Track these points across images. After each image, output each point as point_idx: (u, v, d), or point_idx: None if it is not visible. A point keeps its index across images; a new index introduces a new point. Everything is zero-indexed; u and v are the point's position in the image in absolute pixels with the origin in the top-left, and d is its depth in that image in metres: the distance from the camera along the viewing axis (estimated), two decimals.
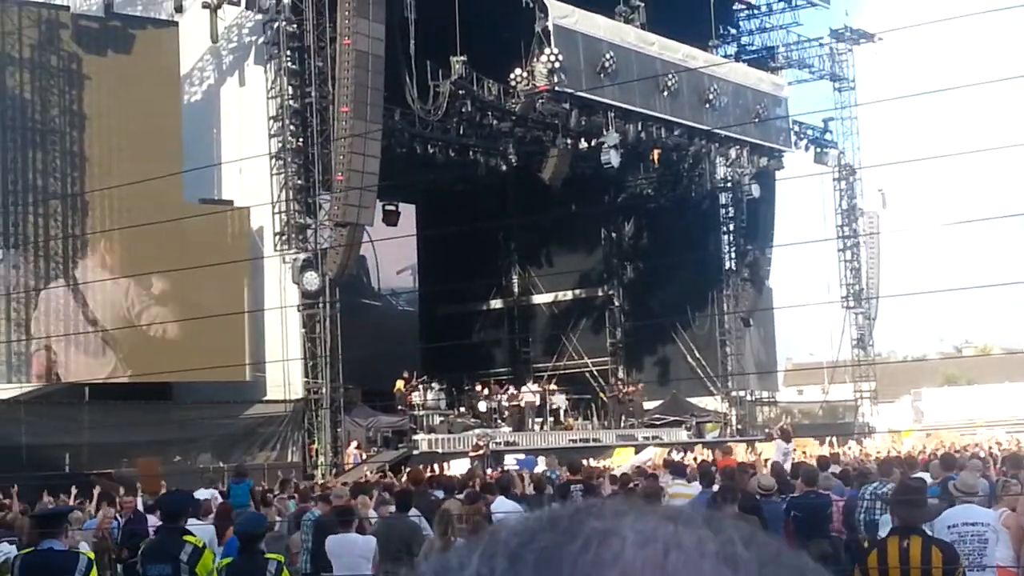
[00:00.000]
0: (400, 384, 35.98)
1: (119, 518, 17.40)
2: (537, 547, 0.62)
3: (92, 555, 11.17)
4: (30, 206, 30.31)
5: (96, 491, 19.70)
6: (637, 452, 33.79)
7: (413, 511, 13.80)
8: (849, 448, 34.82)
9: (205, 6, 32.32)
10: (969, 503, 11.05)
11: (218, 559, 11.31)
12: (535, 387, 40.35)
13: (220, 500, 18.46)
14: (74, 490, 20.17)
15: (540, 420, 39.19)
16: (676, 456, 30.62)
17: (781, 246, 47.87)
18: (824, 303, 45.53)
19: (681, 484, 17.24)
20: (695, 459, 29.17)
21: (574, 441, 37.21)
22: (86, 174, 30.93)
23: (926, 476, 15.30)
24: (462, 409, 37.50)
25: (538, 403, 39.29)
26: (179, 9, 32.80)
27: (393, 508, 14.31)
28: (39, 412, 29.61)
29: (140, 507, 17.99)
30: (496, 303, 50.89)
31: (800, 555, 0.66)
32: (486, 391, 38.42)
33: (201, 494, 18.47)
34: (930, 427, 47.64)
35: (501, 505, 14.89)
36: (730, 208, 46.94)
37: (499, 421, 37.32)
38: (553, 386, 41.83)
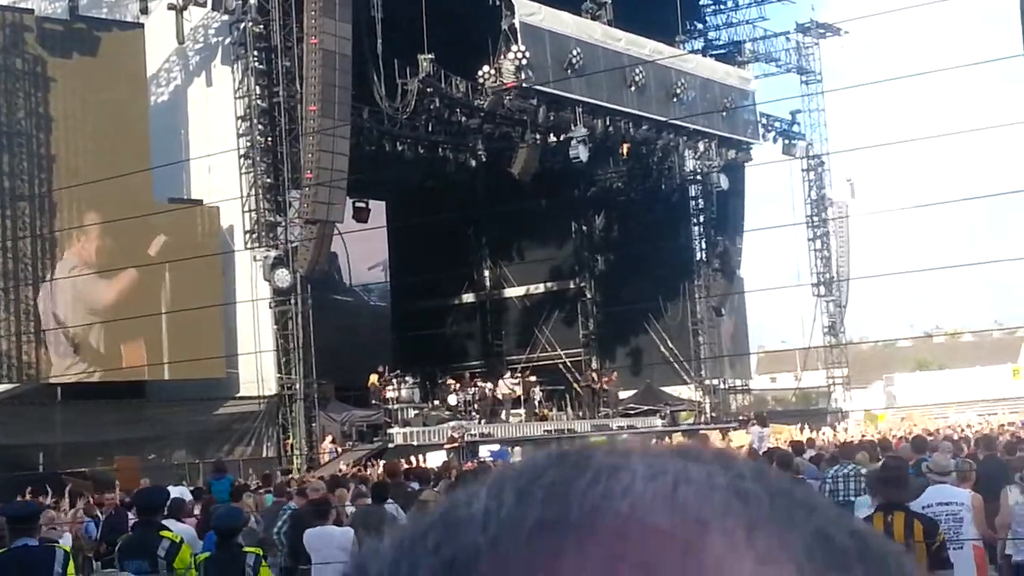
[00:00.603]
0: (374, 378, 36.09)
1: (100, 515, 17.50)
2: (546, 482, 0.63)
3: (68, 548, 11.23)
4: None
5: (67, 489, 19.76)
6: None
7: (390, 503, 13.94)
8: (823, 433, 35.18)
9: (171, 7, 32.30)
10: (942, 483, 11.31)
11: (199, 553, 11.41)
12: (513, 380, 40.47)
13: (190, 498, 18.55)
14: (49, 490, 20.20)
15: (516, 411, 39.31)
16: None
17: (752, 231, 48.25)
18: (795, 286, 45.76)
19: None
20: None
21: (549, 432, 37.38)
22: (54, 176, 30.92)
23: None
24: (436, 402, 37.60)
25: (519, 395, 39.43)
26: (144, 11, 32.77)
27: (369, 501, 14.46)
28: (11, 412, 29.60)
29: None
30: (468, 297, 51.05)
31: (810, 490, 0.69)
32: (458, 384, 38.51)
33: (173, 492, 18.54)
34: (904, 409, 48.13)
35: None
36: (700, 200, 47.20)
37: (473, 413, 37.45)
38: (532, 377, 42.00)
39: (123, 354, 31.03)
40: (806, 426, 36.63)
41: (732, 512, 0.61)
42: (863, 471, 14.89)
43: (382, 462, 25.96)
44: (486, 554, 0.59)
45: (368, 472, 24.39)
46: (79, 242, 30.74)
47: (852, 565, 0.60)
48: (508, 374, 41.62)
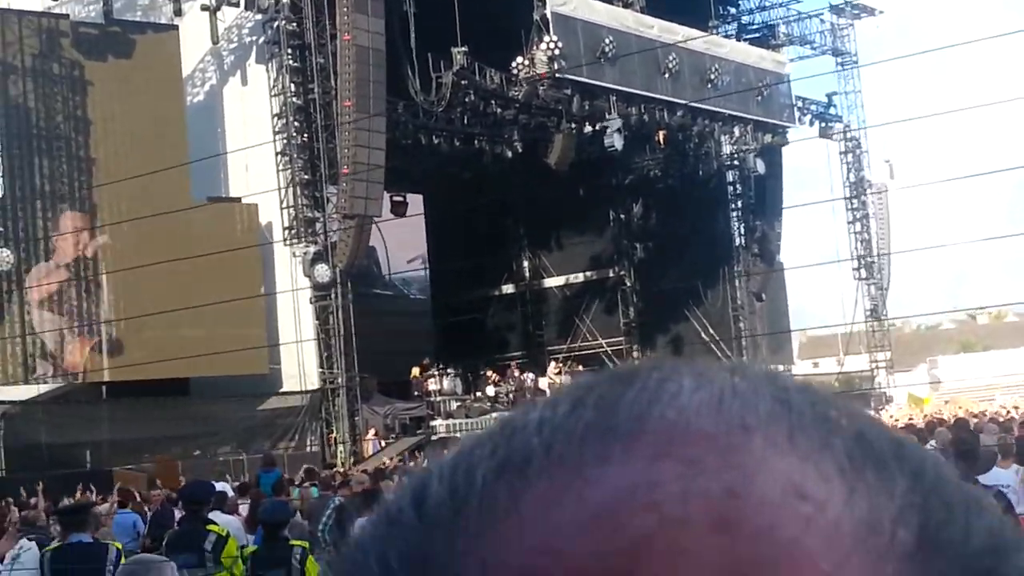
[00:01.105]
0: (416, 371, 36.23)
1: (147, 510, 17.69)
2: (597, 393, 0.66)
3: (120, 545, 11.36)
4: (39, 211, 30.56)
5: (116, 487, 19.95)
6: None
7: None
8: None
9: (204, 8, 32.49)
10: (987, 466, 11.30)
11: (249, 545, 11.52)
12: (555, 371, 40.49)
13: (232, 494, 18.72)
14: (92, 488, 20.39)
15: None
16: None
17: (789, 208, 47.83)
18: (833, 263, 45.38)
19: None
20: None
21: None
22: (93, 178, 31.20)
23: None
24: (478, 394, 37.68)
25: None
26: (178, 12, 32.97)
27: None
28: (58, 412, 29.96)
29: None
30: (508, 288, 51.03)
31: (854, 402, 0.72)
32: (498, 377, 38.53)
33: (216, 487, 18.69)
34: (948, 393, 47.79)
35: None
36: (737, 185, 47.04)
37: (515, 405, 37.45)
38: (580, 367, 42.03)
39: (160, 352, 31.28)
40: None
41: (776, 418, 0.63)
42: None
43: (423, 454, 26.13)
44: (539, 455, 0.63)
45: (413, 464, 24.49)
46: (120, 242, 30.95)
47: (890, 464, 0.62)
48: (552, 364, 41.62)
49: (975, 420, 24.38)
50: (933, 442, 16.67)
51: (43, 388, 30.38)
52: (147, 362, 30.04)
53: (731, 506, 0.60)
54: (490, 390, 37.36)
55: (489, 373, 38.52)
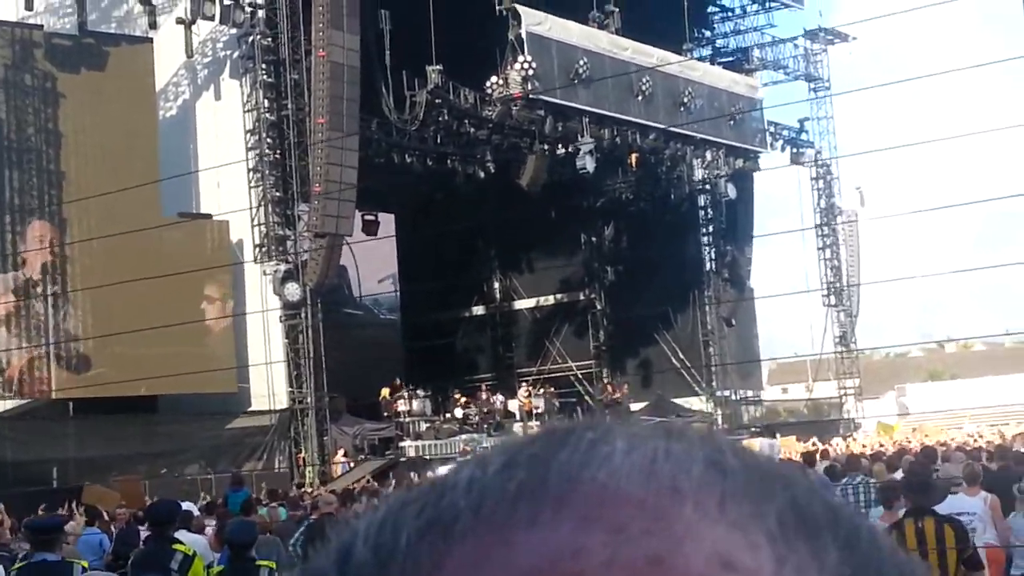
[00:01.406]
0: (385, 392, 36.02)
1: (112, 528, 17.44)
2: (529, 452, 0.65)
3: (86, 563, 11.16)
4: (7, 224, 30.24)
5: (82, 506, 19.68)
6: None
7: None
8: (835, 444, 35.05)
9: (179, 22, 32.30)
10: (954, 493, 11.30)
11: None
12: (524, 393, 40.37)
13: (198, 513, 18.49)
14: (66, 505, 20.13)
15: (529, 424, 39.21)
16: None
17: (760, 236, 48.06)
18: (803, 292, 45.53)
19: None
20: None
21: None
22: (63, 192, 30.90)
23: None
24: (448, 415, 37.50)
25: (535, 408, 39.39)
26: (153, 25, 32.76)
27: None
28: (24, 428, 29.59)
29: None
30: (478, 309, 50.98)
31: (791, 467, 0.69)
32: (465, 399, 38.27)
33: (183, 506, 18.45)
34: (916, 421, 47.89)
35: None
36: (709, 209, 47.13)
37: (484, 426, 37.35)
38: (551, 389, 41.98)
39: (128, 369, 30.99)
40: (815, 438, 36.50)
41: (708, 483, 0.63)
42: (873, 481, 14.82)
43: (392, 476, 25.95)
44: (466, 515, 0.62)
45: (381, 486, 24.29)
46: (88, 257, 30.67)
47: (823, 533, 0.61)
48: (522, 388, 41.52)
49: (943, 448, 24.43)
50: (900, 472, 16.74)
51: (8, 404, 30.01)
52: (115, 381, 29.81)
53: (655, 575, 0.59)
54: (458, 412, 37.15)
55: (457, 395, 38.32)
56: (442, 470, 0.71)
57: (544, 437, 0.66)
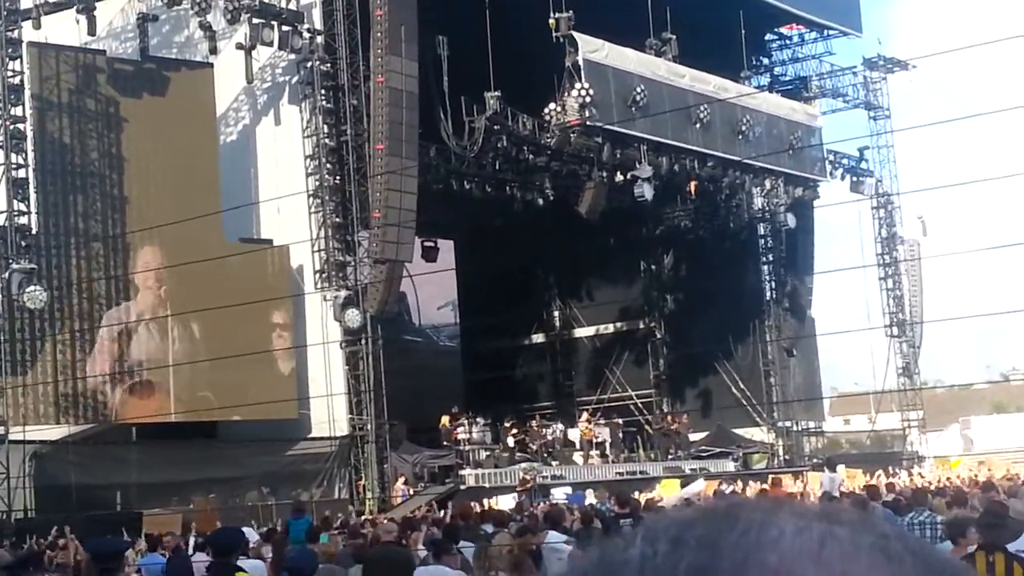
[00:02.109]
0: (445, 419, 35.77)
1: (164, 555, 17.29)
2: (698, 532, 0.64)
3: None
4: (72, 249, 30.34)
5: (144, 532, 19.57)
6: (683, 484, 33.44)
7: (466, 545, 13.57)
8: (899, 477, 34.46)
9: (239, 47, 32.35)
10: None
11: None
12: (585, 423, 40.06)
13: (256, 538, 18.33)
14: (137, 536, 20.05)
15: (589, 453, 38.92)
16: (725, 488, 30.33)
17: (821, 273, 47.56)
18: (866, 329, 44.94)
19: None
20: (743, 490, 28.89)
21: (620, 474, 36.85)
22: (126, 216, 30.97)
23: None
24: (507, 443, 37.20)
25: (601, 438, 39.13)
26: (213, 51, 32.83)
27: None
28: (88, 453, 29.58)
29: (189, 545, 17.86)
30: (538, 337, 50.80)
31: (949, 555, 0.64)
32: (515, 429, 37.87)
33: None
34: (980, 454, 47.08)
35: (552, 539, 14.62)
36: (768, 238, 46.74)
37: (545, 455, 37.07)
38: (619, 420, 41.68)
39: (198, 395, 30.98)
40: (880, 470, 35.88)
41: (876, 569, 0.64)
42: (939, 519, 14.39)
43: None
44: None
45: (442, 514, 24.02)
46: (151, 282, 30.72)
47: None
48: (583, 416, 41.20)
49: (1009, 483, 23.86)
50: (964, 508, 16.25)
51: (74, 428, 30.03)
52: (182, 411, 29.82)
53: None
54: (509, 441, 36.71)
55: (507, 425, 37.88)
56: (607, 542, 0.70)
57: (710, 516, 0.66)
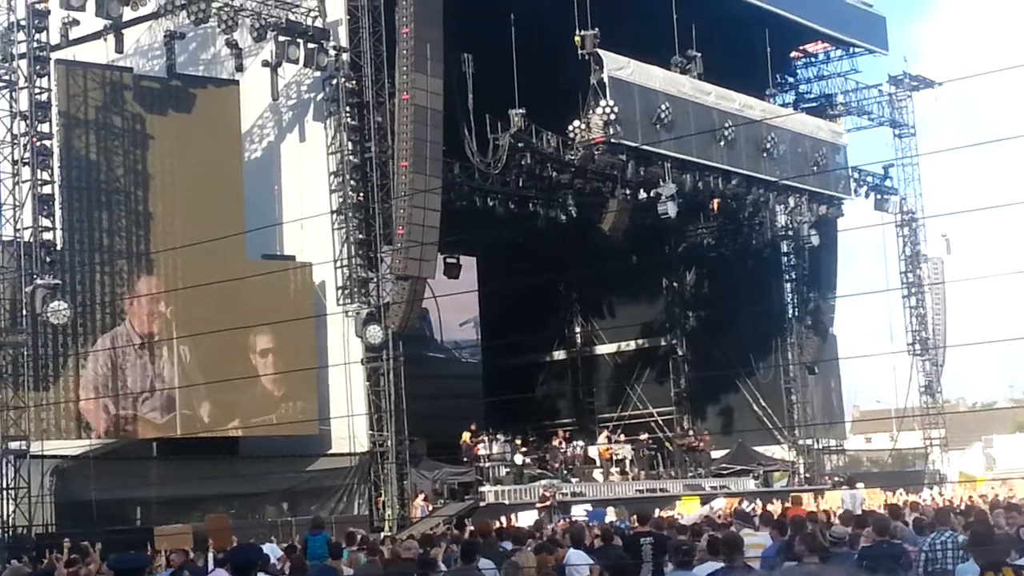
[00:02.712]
0: (466, 436, 35.84)
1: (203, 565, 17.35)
2: None
3: None
4: (96, 265, 30.55)
5: (166, 551, 19.65)
6: (703, 501, 33.43)
7: (485, 562, 13.63)
8: (922, 497, 34.35)
9: (265, 64, 32.59)
10: None
11: None
12: (604, 440, 40.11)
13: (280, 555, 18.39)
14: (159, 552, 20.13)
15: (605, 470, 38.94)
16: (746, 506, 30.31)
17: (843, 297, 47.46)
18: (890, 353, 44.89)
19: (749, 533, 16.93)
20: (763, 507, 28.88)
21: (641, 491, 36.86)
22: (151, 232, 31.18)
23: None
24: (527, 460, 37.26)
25: (624, 456, 39.21)
26: (239, 68, 33.08)
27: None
28: (108, 468, 29.73)
29: (210, 561, 17.92)
30: (559, 354, 50.83)
31: None
32: (525, 448, 37.81)
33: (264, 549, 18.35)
34: (1003, 474, 46.88)
35: (573, 557, 14.67)
36: (792, 256, 46.70)
37: (565, 472, 37.10)
38: (622, 437, 41.71)
39: (211, 411, 31.13)
40: (901, 489, 35.80)
41: None
42: (961, 538, 14.39)
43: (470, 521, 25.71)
44: None
45: (462, 531, 24.06)
46: (175, 297, 30.88)
47: None
48: (603, 435, 41.23)
49: None
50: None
51: (95, 443, 30.21)
52: (202, 428, 29.96)
53: None
54: (517, 458, 36.51)
55: (518, 442, 37.73)
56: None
57: None
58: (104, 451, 30.56)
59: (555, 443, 39.30)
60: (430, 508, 32.08)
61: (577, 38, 34.52)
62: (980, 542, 9.89)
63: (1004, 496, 30.83)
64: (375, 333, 31.80)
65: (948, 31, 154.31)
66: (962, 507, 25.39)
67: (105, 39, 30.80)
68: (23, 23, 28.38)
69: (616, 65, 35.68)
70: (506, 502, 32.87)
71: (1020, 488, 37.23)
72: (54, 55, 29.47)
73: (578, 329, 50.69)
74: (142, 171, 31.35)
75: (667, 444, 44.21)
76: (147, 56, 34.18)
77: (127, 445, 31.03)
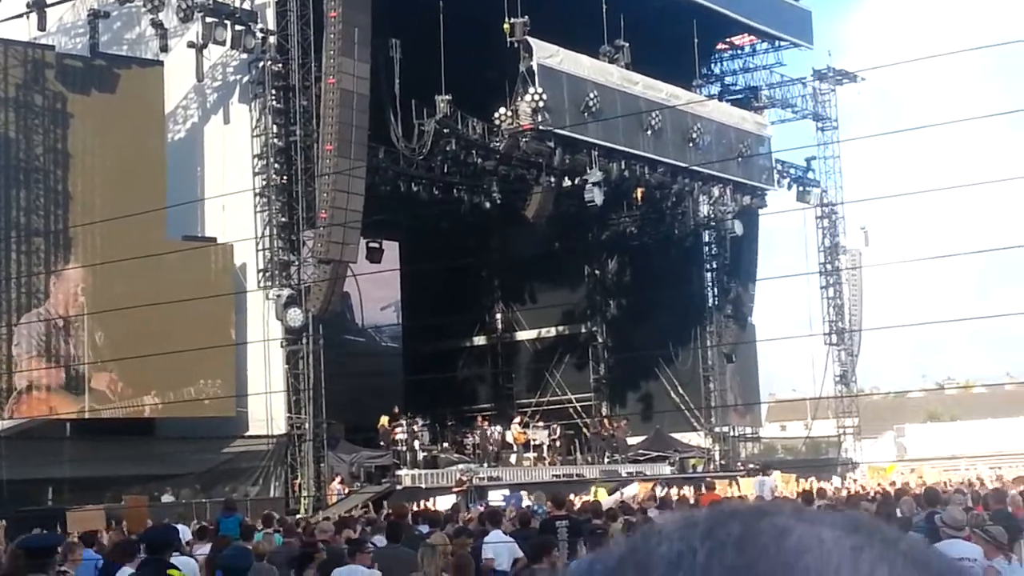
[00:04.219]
0: (385, 420, 35.97)
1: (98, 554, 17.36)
2: (733, 531, 0.68)
3: None
4: (12, 243, 30.30)
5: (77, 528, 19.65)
6: (615, 488, 33.77)
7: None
8: (832, 483, 35.04)
9: (191, 45, 32.44)
10: (955, 538, 11.22)
11: None
12: (522, 425, 40.40)
13: (190, 537, 18.47)
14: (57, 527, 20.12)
15: (525, 456, 39.26)
16: (659, 491, 30.78)
17: (764, 279, 48.12)
18: (806, 336, 45.60)
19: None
20: (679, 494, 29.36)
21: (557, 476, 37.22)
22: (70, 212, 30.99)
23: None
24: (445, 445, 37.47)
25: (540, 441, 39.58)
26: (164, 49, 32.93)
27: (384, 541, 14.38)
28: (20, 448, 29.50)
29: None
30: (480, 339, 51.03)
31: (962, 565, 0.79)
32: (442, 432, 38.08)
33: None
34: (912, 462, 47.86)
35: (494, 537, 14.92)
36: (713, 246, 47.24)
37: (481, 456, 37.37)
38: (557, 423, 42.08)
39: (127, 391, 31.03)
40: (814, 476, 36.49)
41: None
42: None
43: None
44: None
45: (378, 515, 24.26)
46: (92, 277, 30.72)
47: None
48: (518, 419, 41.52)
49: (945, 493, 24.35)
50: (899, 509, 16.84)
51: (5, 424, 30.01)
52: (118, 406, 29.80)
53: None
54: (434, 442, 36.62)
55: (434, 426, 37.86)
56: (636, 537, 0.72)
57: (737, 515, 0.70)
58: (16, 431, 30.31)
59: (475, 428, 39.55)
60: (346, 491, 32.22)
61: (506, 26, 34.62)
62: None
63: (914, 483, 31.57)
64: (295, 316, 31.85)
65: (872, 26, 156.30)
66: (873, 495, 26.05)
67: (28, 17, 30.49)
68: None
69: (545, 53, 35.86)
70: (423, 486, 33.10)
71: (929, 475, 38.11)
72: None
73: (499, 315, 50.86)
74: (62, 150, 31.17)
75: (584, 430, 44.62)
76: (70, 34, 33.92)
77: (40, 425, 30.84)
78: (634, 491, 31.54)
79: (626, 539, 0.73)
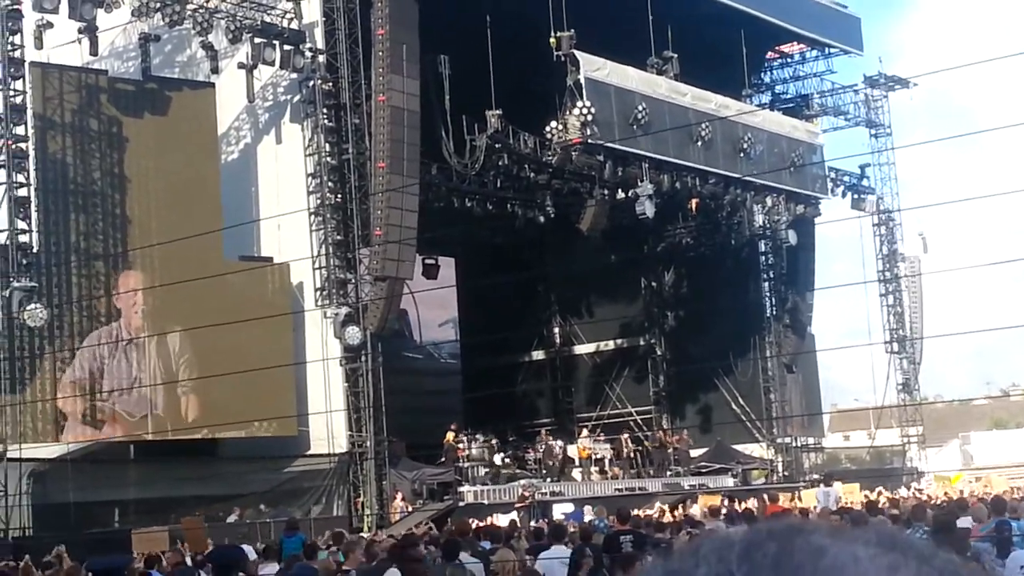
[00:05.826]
0: (450, 436, 35.80)
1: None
2: (770, 551, 0.68)
3: None
4: (73, 267, 30.49)
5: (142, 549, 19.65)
6: (681, 501, 33.52)
7: (466, 558, 13.71)
8: (899, 493, 34.55)
9: (241, 67, 32.58)
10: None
11: None
12: (587, 439, 40.19)
13: (255, 557, 18.41)
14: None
15: (584, 469, 39.04)
16: (724, 504, 30.44)
17: (821, 289, 47.61)
18: (867, 344, 45.04)
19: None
20: (744, 507, 29.02)
21: (620, 490, 36.95)
22: (128, 235, 31.14)
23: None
24: (507, 460, 37.29)
25: (603, 455, 39.37)
26: (215, 70, 33.08)
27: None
28: (86, 471, 29.67)
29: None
30: (538, 354, 50.90)
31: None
32: (504, 448, 37.86)
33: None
34: (978, 470, 47.16)
35: (556, 552, 14.78)
36: (769, 255, 46.86)
37: (544, 471, 37.18)
38: (601, 436, 41.82)
39: (189, 412, 31.10)
40: (880, 486, 35.98)
41: None
42: None
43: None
44: None
45: (439, 532, 24.10)
46: (152, 300, 30.85)
47: None
48: (582, 434, 41.29)
49: (1013, 499, 23.88)
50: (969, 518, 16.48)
51: (72, 446, 30.15)
52: (180, 427, 29.91)
53: None
54: (497, 459, 36.38)
55: (494, 442, 37.61)
56: (672, 558, 0.71)
57: (774, 535, 0.69)
58: (81, 454, 30.48)
59: (537, 443, 39.36)
60: (409, 508, 32.11)
61: (553, 39, 34.52)
62: (939, 533, 10.06)
63: (980, 491, 31.06)
64: (354, 334, 31.80)
65: (923, 31, 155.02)
66: (938, 503, 25.60)
67: (79, 42, 30.71)
68: None
69: (592, 66, 35.73)
70: (485, 502, 32.91)
71: (996, 484, 37.50)
72: (29, 57, 29.40)
73: (556, 329, 50.75)
74: (119, 174, 31.32)
75: (645, 443, 44.34)
76: (122, 58, 34.12)
77: (105, 448, 30.97)
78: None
79: (664, 561, 0.73)
